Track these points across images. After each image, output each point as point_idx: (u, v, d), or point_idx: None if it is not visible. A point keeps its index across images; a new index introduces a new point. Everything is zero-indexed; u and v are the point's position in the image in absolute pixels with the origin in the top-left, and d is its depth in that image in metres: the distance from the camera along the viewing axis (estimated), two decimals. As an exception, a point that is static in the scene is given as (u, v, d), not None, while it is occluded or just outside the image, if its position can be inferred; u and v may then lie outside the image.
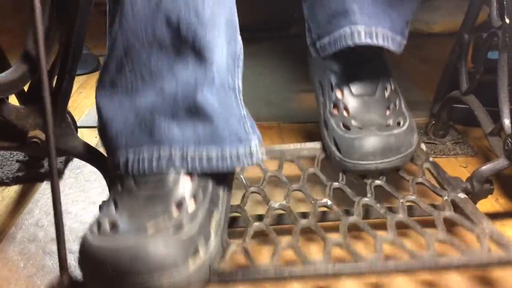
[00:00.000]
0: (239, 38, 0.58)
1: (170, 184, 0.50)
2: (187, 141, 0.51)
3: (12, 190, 0.75)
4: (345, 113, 0.68)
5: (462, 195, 0.62)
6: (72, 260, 0.59)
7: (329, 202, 0.61)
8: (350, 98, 0.69)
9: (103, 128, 0.54)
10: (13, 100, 0.57)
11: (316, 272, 0.49)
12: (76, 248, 0.61)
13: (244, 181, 0.65)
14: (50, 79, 0.54)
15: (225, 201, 0.56)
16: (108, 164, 0.56)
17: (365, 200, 0.61)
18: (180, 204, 0.49)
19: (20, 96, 0.62)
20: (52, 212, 0.46)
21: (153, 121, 0.51)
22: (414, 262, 0.50)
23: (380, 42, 0.68)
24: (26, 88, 0.58)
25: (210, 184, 0.53)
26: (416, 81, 1.13)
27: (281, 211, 0.61)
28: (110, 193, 0.53)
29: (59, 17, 0.52)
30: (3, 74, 0.49)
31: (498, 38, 0.66)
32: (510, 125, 0.64)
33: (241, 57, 0.58)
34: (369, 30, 0.67)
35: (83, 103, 1.09)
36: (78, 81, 1.20)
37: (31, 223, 0.67)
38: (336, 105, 0.70)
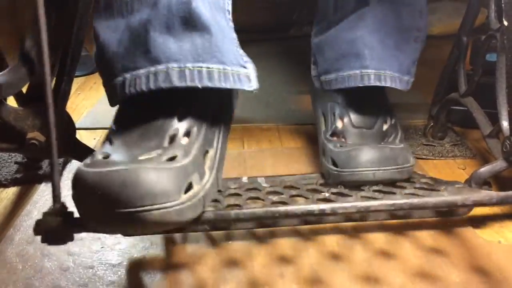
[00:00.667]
0: None
1: (164, 121, 0.50)
2: (185, 55, 0.50)
3: (10, 192, 0.75)
4: (343, 140, 0.70)
5: (459, 185, 0.62)
6: (71, 262, 0.59)
7: (327, 194, 0.61)
8: (350, 128, 0.71)
9: (99, 53, 0.53)
10: (11, 101, 0.57)
11: (307, 209, 0.50)
12: (74, 250, 0.61)
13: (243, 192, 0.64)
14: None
15: (221, 141, 0.56)
16: (106, 92, 0.55)
17: (363, 193, 0.61)
18: (173, 139, 0.49)
19: (19, 97, 0.61)
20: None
21: (147, 36, 0.50)
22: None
23: (388, 84, 0.71)
24: (24, 89, 0.58)
25: (204, 124, 0.53)
26: (414, 83, 1.12)
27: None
28: (106, 134, 0.53)
29: (58, 19, 0.52)
30: (0, 75, 0.49)
31: (497, 40, 0.66)
32: (508, 127, 0.64)
33: None
34: (378, 73, 0.70)
35: (81, 104, 1.09)
36: (76, 82, 1.20)
37: (29, 225, 0.67)
38: (335, 133, 0.71)
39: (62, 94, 0.54)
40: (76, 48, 0.52)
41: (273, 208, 0.50)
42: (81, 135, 0.92)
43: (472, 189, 0.61)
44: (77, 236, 0.64)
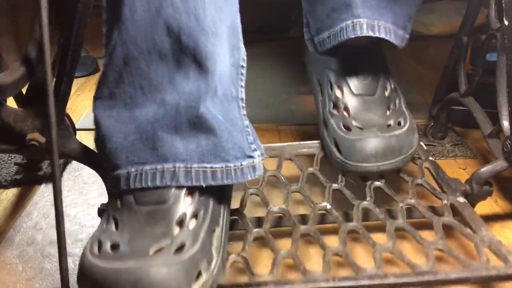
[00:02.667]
0: (242, 46, 0.57)
1: (171, 202, 0.49)
2: (191, 155, 0.50)
3: (10, 193, 0.75)
4: (345, 113, 0.68)
5: (461, 199, 0.62)
6: (71, 263, 0.59)
7: (329, 206, 0.61)
8: (350, 97, 0.68)
9: (101, 140, 0.53)
10: (11, 102, 0.57)
11: (316, 285, 0.49)
12: (75, 251, 0.61)
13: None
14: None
15: (225, 216, 0.56)
16: (106, 176, 0.55)
17: (365, 203, 0.61)
18: (181, 223, 0.48)
19: (18, 98, 0.61)
20: (50, 215, 0.46)
21: (155, 134, 0.50)
22: (413, 276, 0.51)
23: (382, 34, 0.67)
24: (24, 90, 0.58)
25: (211, 201, 0.52)
26: (414, 83, 1.13)
27: (280, 215, 0.61)
28: (109, 207, 0.52)
29: (57, 19, 0.52)
30: (0, 76, 0.49)
31: (497, 40, 0.66)
32: (509, 126, 0.64)
33: (245, 65, 0.57)
34: (371, 23, 0.67)
35: (81, 105, 1.09)
36: (76, 83, 1.20)
37: (29, 226, 0.67)
38: (336, 105, 0.69)
39: (62, 95, 0.54)
40: (75, 49, 0.52)
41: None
42: (81, 136, 0.92)
43: (473, 214, 0.60)
44: (76, 237, 0.65)
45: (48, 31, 0.42)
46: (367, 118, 0.66)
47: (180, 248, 0.45)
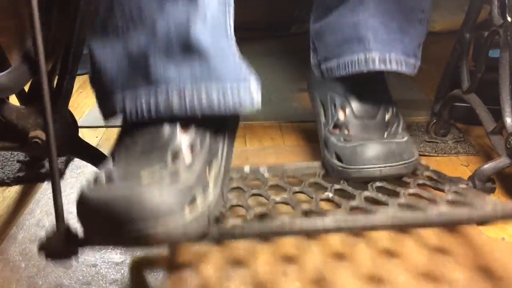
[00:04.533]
0: None
1: (166, 136, 0.49)
2: (184, 79, 0.50)
3: (13, 191, 0.75)
4: (345, 131, 0.69)
5: (463, 185, 0.61)
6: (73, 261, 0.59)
7: (331, 195, 0.61)
8: (352, 118, 0.69)
9: (96, 74, 0.53)
10: (13, 100, 0.57)
11: (316, 226, 0.50)
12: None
13: (245, 188, 0.64)
14: (50, 79, 0.54)
15: (225, 152, 0.56)
16: (101, 111, 0.55)
17: (367, 193, 0.61)
18: (176, 155, 0.48)
19: (21, 96, 0.61)
20: (53, 212, 0.46)
21: (147, 62, 0.50)
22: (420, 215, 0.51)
23: (394, 67, 0.69)
24: (26, 88, 0.58)
25: (208, 134, 0.53)
26: (417, 79, 1.12)
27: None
28: (109, 150, 0.53)
29: (59, 17, 0.52)
30: (3, 74, 0.49)
31: (499, 37, 0.66)
32: (511, 123, 0.63)
33: (232, 4, 0.56)
34: (383, 57, 0.68)
35: (83, 103, 1.09)
36: (78, 81, 1.19)
37: (32, 224, 0.67)
38: (336, 125, 0.70)
39: (64, 93, 0.54)
40: (78, 46, 0.52)
41: (277, 224, 0.50)
42: (83, 134, 0.92)
43: (476, 192, 0.60)
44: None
45: (39, 27, 0.43)
46: (366, 137, 0.67)
47: (174, 174, 0.45)
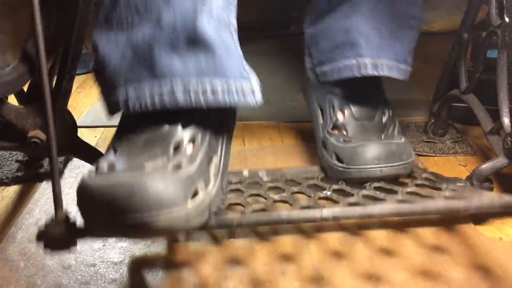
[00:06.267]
0: None
1: (169, 128, 0.50)
2: (189, 72, 0.50)
3: (12, 190, 0.75)
4: (344, 133, 0.70)
5: (461, 183, 0.62)
6: (73, 260, 0.59)
7: (329, 193, 0.61)
8: (351, 120, 0.70)
9: (99, 66, 0.53)
10: (12, 100, 0.57)
11: (314, 216, 0.51)
12: (78, 249, 0.61)
13: (244, 189, 0.65)
14: (50, 79, 0.54)
15: (224, 147, 0.57)
16: (105, 105, 0.55)
17: (365, 191, 0.61)
18: (178, 147, 0.49)
19: (20, 96, 0.61)
20: (52, 212, 0.46)
21: (152, 54, 0.50)
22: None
23: (386, 73, 0.70)
24: (25, 88, 0.58)
25: (208, 130, 0.53)
26: (415, 80, 1.12)
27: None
28: (110, 142, 0.53)
29: (59, 17, 0.52)
30: (1, 74, 0.49)
31: (497, 37, 0.66)
32: (509, 123, 0.64)
33: (235, 3, 0.56)
34: (375, 62, 0.70)
35: (82, 102, 1.09)
36: (77, 80, 1.20)
37: (31, 223, 0.67)
38: (335, 126, 0.71)
39: (63, 93, 0.54)
40: (76, 46, 0.52)
41: (275, 215, 0.50)
42: (82, 133, 0.92)
43: (474, 189, 0.61)
44: (78, 234, 0.65)
45: (41, 28, 0.43)
46: (365, 138, 0.67)
47: (177, 167, 0.45)
